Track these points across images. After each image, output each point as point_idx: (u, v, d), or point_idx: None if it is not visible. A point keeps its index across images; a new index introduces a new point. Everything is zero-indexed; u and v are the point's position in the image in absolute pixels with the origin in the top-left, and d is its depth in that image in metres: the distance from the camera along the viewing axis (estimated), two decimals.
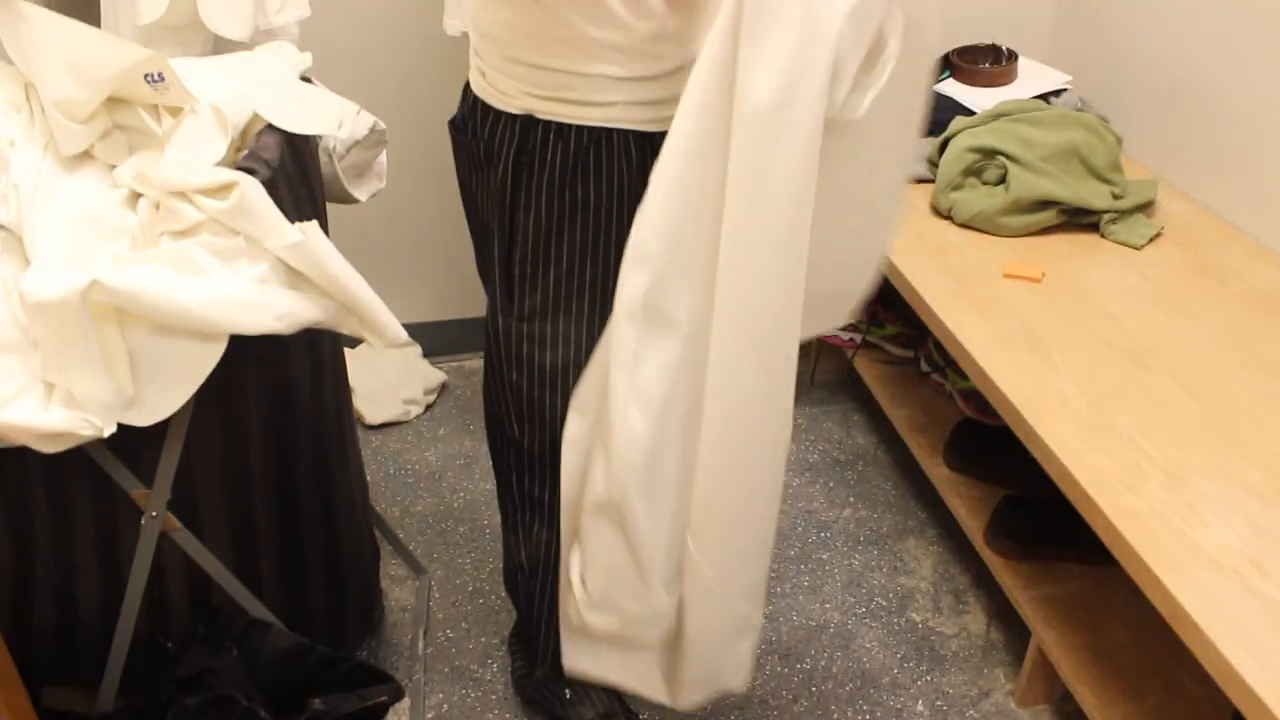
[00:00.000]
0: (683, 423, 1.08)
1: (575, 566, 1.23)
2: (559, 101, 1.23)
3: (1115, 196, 2.03)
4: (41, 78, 1.33)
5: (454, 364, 2.60)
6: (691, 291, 1.03)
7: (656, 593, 1.18)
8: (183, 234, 1.23)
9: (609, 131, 1.25)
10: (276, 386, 1.45)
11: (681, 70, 1.24)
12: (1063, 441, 1.49)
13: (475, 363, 2.60)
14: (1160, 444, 1.49)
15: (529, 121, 1.25)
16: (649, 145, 1.28)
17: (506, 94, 1.25)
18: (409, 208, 2.42)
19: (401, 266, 2.52)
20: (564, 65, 1.21)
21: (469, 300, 2.41)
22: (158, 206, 1.28)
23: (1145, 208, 2.07)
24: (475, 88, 1.31)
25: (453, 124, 1.38)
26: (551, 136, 1.24)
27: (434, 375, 2.51)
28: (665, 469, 1.10)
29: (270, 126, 1.40)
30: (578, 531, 1.21)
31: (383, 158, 1.65)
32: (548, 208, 1.26)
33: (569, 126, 1.24)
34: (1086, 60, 2.41)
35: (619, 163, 1.26)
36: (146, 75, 1.34)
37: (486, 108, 1.28)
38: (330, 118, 1.46)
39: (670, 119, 1.26)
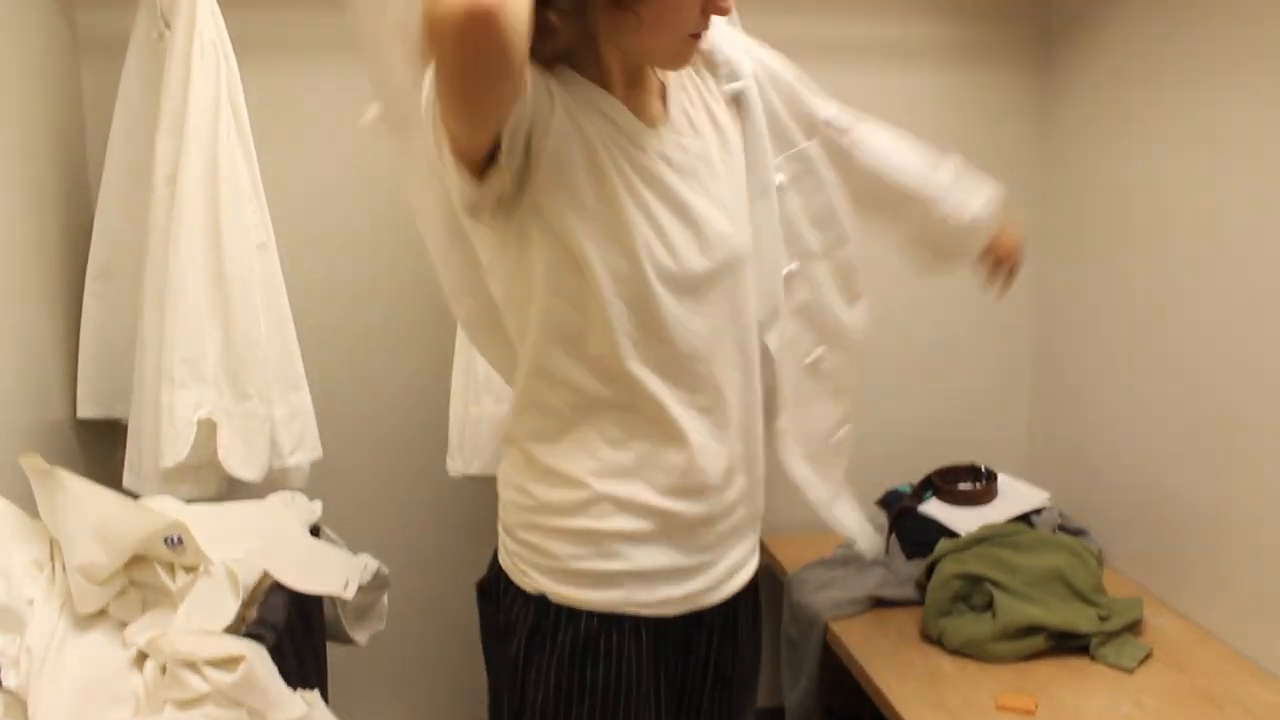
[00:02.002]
0: None
1: None
2: (571, 580, 1.28)
3: (1102, 618, 2.07)
4: (68, 542, 1.41)
5: None
6: None
7: None
8: (187, 703, 1.26)
9: (620, 618, 1.28)
10: None
11: (694, 531, 1.30)
12: None
13: None
14: None
15: (543, 603, 1.28)
16: (658, 631, 1.31)
17: (524, 572, 1.30)
18: (404, 628, 2.44)
19: (395, 680, 2.51)
20: (575, 524, 1.27)
21: (463, 714, 2.39)
22: (164, 669, 1.32)
23: (1133, 627, 2.10)
24: (500, 559, 1.35)
25: (480, 589, 1.40)
26: (564, 619, 1.27)
27: None
28: None
29: (279, 584, 1.46)
30: None
31: (384, 599, 1.70)
32: (556, 687, 1.28)
33: (580, 612, 1.27)
34: (1064, 473, 2.52)
35: (629, 649, 1.28)
36: (166, 538, 1.42)
37: (508, 581, 1.32)
38: (337, 577, 1.52)
39: (686, 598, 1.31)
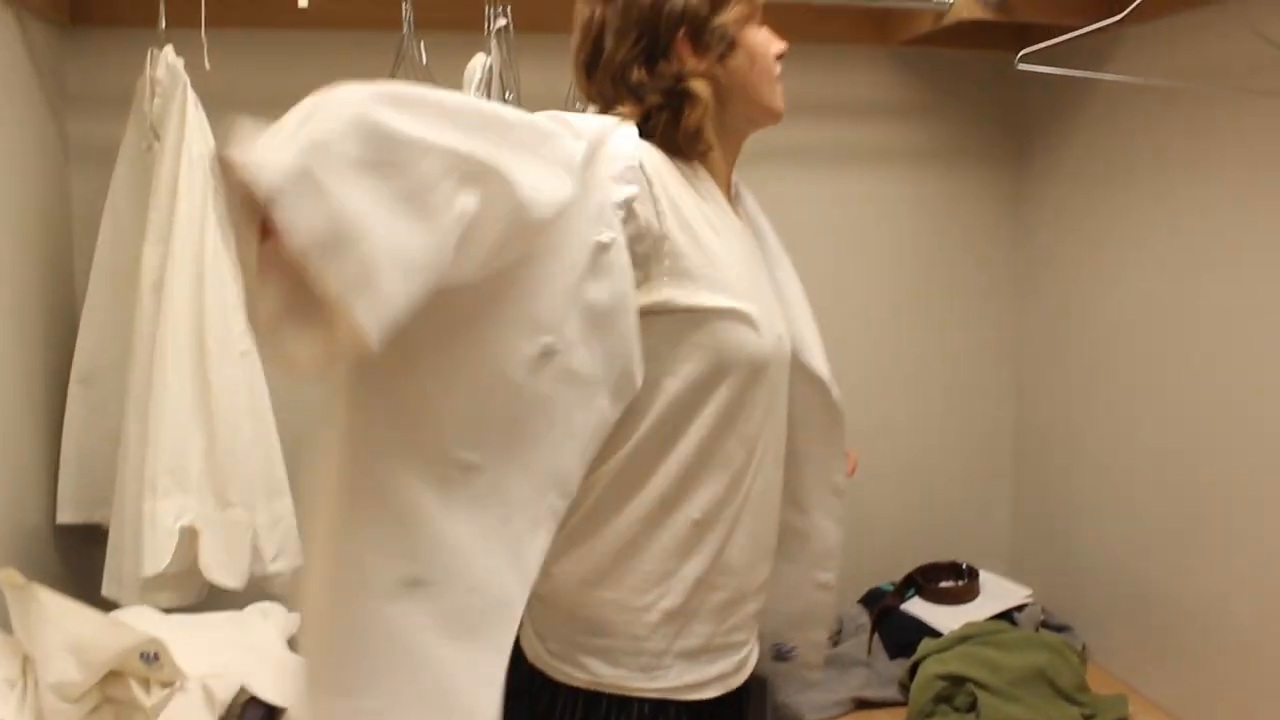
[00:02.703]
0: None
1: None
2: (625, 664, 1.26)
3: (1086, 717, 2.06)
4: (43, 660, 1.40)
5: None
6: None
7: None
8: None
9: (666, 705, 1.27)
10: None
11: (730, 609, 1.30)
12: None
13: None
14: None
15: (594, 696, 1.26)
16: (699, 714, 1.31)
17: (577, 662, 1.27)
18: None
19: None
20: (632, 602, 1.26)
21: None
22: None
23: None
24: (532, 657, 1.31)
25: (509, 690, 1.38)
26: (615, 710, 1.26)
27: None
28: None
29: (255, 699, 1.45)
30: None
31: None
32: None
33: (632, 700, 1.26)
34: (1047, 569, 2.53)
35: None
36: (142, 654, 1.41)
37: (546, 679, 1.29)
38: None
39: (719, 678, 1.30)
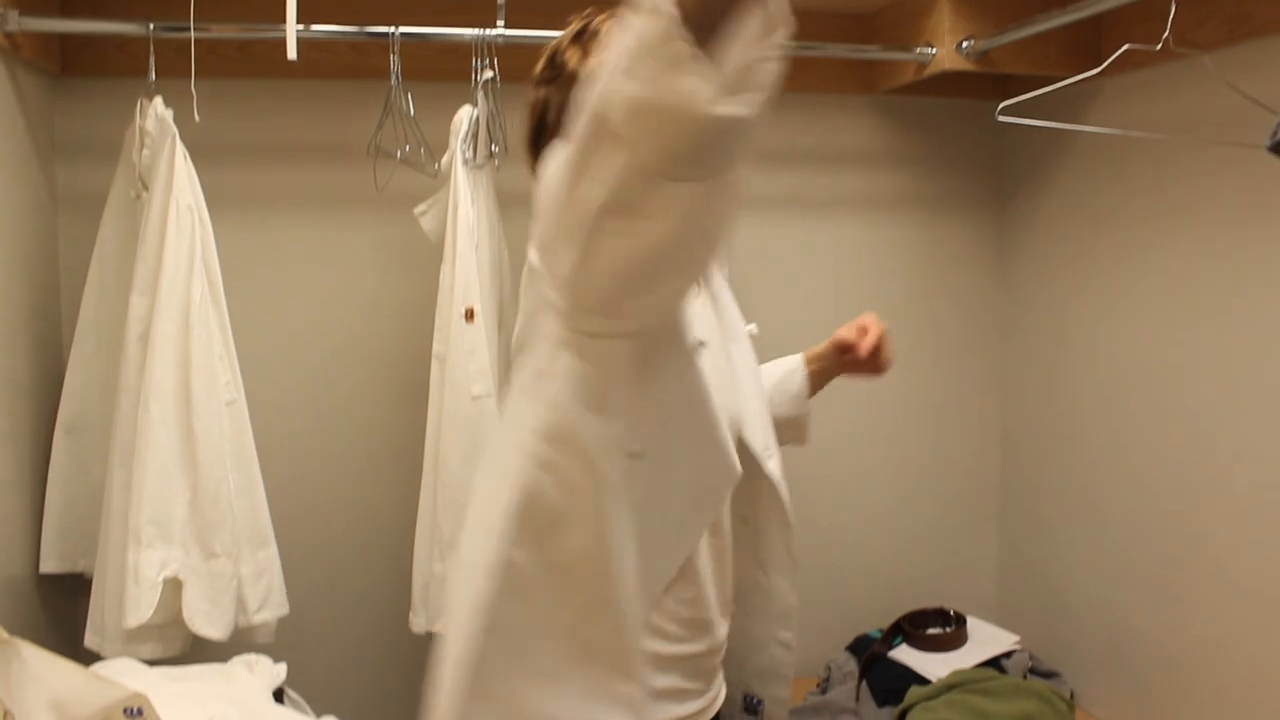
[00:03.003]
0: None
1: None
2: None
3: None
4: (24, 715, 1.38)
5: None
6: None
7: None
8: None
9: None
10: None
11: (697, 660, 1.33)
12: None
13: None
14: None
15: None
16: None
17: None
18: None
19: None
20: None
21: None
22: None
23: None
24: None
25: None
26: None
27: None
28: None
29: None
30: None
31: None
32: None
33: None
34: (1034, 615, 2.52)
35: None
36: (125, 709, 1.40)
37: None
38: None
39: (690, 717, 1.34)
